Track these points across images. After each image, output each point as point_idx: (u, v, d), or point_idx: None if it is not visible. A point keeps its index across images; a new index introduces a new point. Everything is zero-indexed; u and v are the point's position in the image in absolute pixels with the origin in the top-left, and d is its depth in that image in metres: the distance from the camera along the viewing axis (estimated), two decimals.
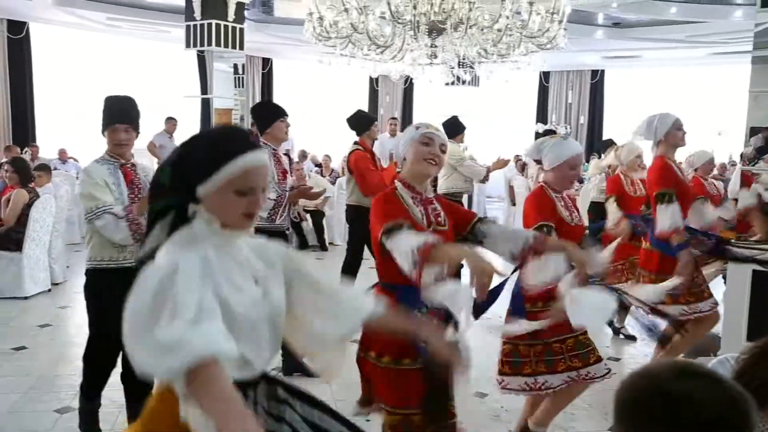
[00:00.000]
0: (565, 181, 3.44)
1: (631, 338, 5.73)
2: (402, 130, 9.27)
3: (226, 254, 1.63)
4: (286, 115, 4.80)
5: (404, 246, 2.32)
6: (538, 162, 3.55)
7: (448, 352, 1.94)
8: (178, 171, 1.64)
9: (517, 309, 3.32)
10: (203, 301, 1.44)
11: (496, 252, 2.71)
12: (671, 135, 4.35)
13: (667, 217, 4.22)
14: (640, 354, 5.46)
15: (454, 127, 6.80)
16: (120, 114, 3.60)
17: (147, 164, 3.81)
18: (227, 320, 1.50)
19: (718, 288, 7.03)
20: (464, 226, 2.71)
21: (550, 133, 6.50)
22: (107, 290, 3.36)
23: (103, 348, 3.54)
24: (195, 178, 1.61)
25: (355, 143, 6.01)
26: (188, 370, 1.34)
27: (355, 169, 5.92)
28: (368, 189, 5.73)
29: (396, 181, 2.67)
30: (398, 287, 2.50)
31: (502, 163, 7.01)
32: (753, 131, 5.42)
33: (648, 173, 4.53)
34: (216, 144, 1.63)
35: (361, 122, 6.02)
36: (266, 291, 1.69)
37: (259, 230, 4.13)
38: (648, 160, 4.69)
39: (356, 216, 6.00)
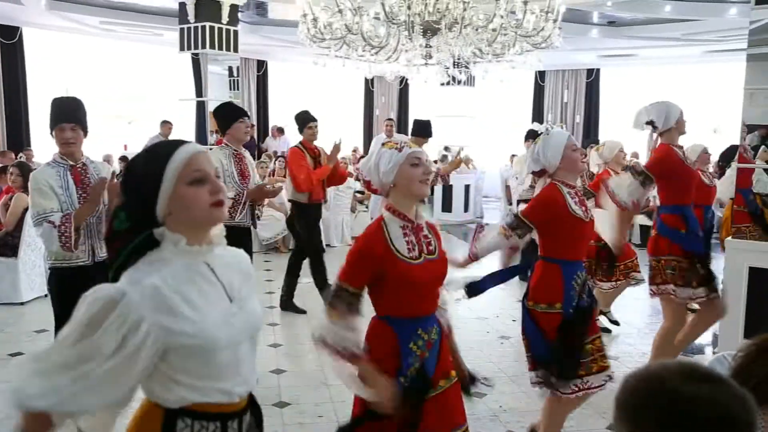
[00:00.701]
0: (576, 163, 3.46)
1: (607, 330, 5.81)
2: (398, 131, 9.28)
3: (197, 274, 1.62)
4: (247, 116, 5.09)
5: (338, 337, 2.35)
6: (542, 172, 3.51)
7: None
8: (131, 205, 1.63)
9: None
10: (119, 355, 1.48)
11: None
12: (680, 122, 4.51)
13: (629, 190, 4.30)
14: (638, 353, 5.47)
15: (422, 129, 6.98)
16: (66, 114, 3.65)
17: (100, 163, 3.84)
18: (183, 344, 1.53)
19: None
20: None
21: (532, 135, 6.64)
22: (67, 287, 3.47)
23: None
24: (147, 199, 1.59)
25: (300, 142, 6.46)
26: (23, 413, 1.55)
27: (287, 165, 6.62)
28: (296, 185, 6.25)
29: (384, 210, 2.52)
30: (393, 319, 2.47)
31: (455, 164, 7.15)
32: (749, 129, 5.44)
33: (652, 156, 4.57)
34: (149, 157, 1.64)
35: (298, 121, 6.52)
36: (241, 307, 1.69)
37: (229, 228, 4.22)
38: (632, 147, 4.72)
39: (293, 210, 6.54)
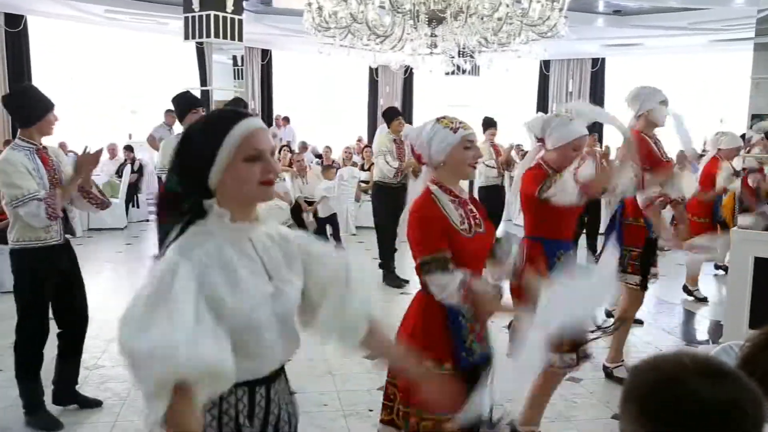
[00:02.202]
0: (567, 161, 3.42)
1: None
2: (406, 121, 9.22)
3: (239, 250, 1.61)
4: (201, 106, 5.09)
5: (446, 287, 2.37)
6: (540, 140, 3.52)
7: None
8: (184, 172, 1.63)
9: None
10: (199, 312, 1.44)
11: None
12: (654, 111, 4.40)
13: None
14: (641, 342, 5.47)
15: (388, 115, 7.07)
16: (48, 101, 3.84)
17: (51, 147, 3.98)
18: (221, 320, 1.50)
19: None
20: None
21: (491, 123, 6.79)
22: (41, 267, 3.70)
23: (39, 323, 3.78)
24: (202, 168, 1.58)
25: None
26: (171, 382, 1.36)
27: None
28: None
29: (430, 184, 2.54)
30: None
31: (412, 163, 7.11)
32: (755, 118, 5.42)
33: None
34: (209, 126, 1.63)
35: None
36: (279, 288, 1.66)
37: None
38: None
39: None
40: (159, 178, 4.95)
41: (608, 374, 4.71)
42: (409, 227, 2.49)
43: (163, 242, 1.61)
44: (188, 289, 1.45)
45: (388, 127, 7.12)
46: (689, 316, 6.51)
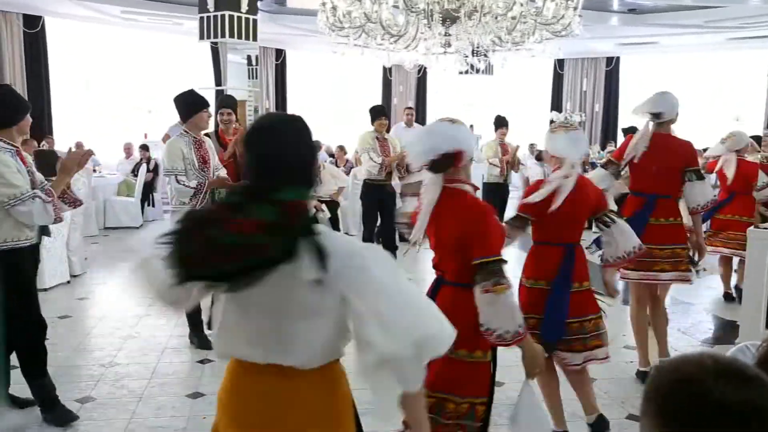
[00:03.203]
0: None
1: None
2: (416, 120, 9.27)
3: None
4: (208, 106, 5.11)
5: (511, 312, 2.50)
6: (539, 159, 3.76)
7: None
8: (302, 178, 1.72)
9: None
10: None
11: None
12: (677, 115, 4.58)
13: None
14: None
15: (372, 113, 7.28)
16: (26, 102, 3.87)
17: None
18: None
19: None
20: None
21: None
22: (27, 266, 3.78)
23: (37, 318, 3.85)
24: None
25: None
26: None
27: None
28: None
29: (465, 186, 2.67)
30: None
31: (395, 158, 7.15)
32: None
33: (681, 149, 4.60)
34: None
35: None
36: None
37: None
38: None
39: None
40: (178, 182, 4.93)
41: (641, 375, 4.73)
42: (480, 223, 2.56)
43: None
44: None
45: (372, 125, 7.29)
46: (704, 316, 6.46)
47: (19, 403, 4.01)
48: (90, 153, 3.98)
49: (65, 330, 5.54)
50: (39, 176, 3.84)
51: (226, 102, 6.07)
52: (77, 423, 3.87)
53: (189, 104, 5.01)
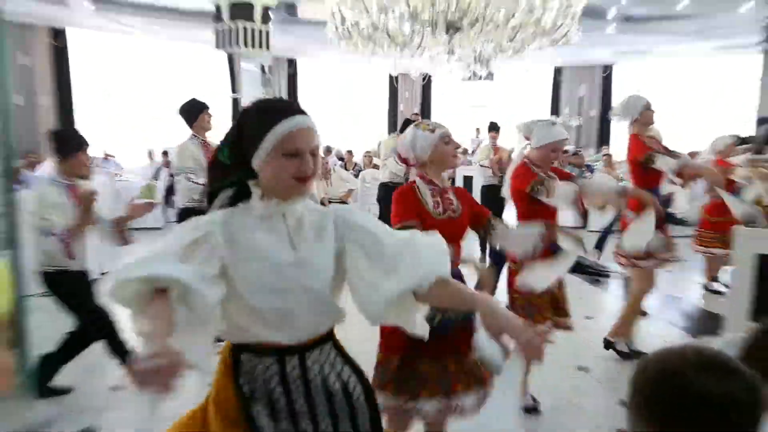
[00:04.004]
0: (546, 160, 3.73)
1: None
2: None
3: (268, 222, 1.66)
4: (208, 108, 5.19)
5: None
6: (528, 138, 3.80)
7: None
8: (235, 147, 1.67)
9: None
10: (189, 250, 1.55)
11: (504, 246, 3.03)
12: (643, 115, 4.63)
13: (665, 163, 4.47)
14: (646, 333, 5.42)
15: (405, 123, 7.19)
16: (79, 141, 3.94)
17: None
18: (236, 281, 1.59)
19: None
20: (480, 221, 2.94)
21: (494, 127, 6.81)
22: (77, 285, 3.96)
23: (98, 321, 4.00)
24: (248, 150, 1.63)
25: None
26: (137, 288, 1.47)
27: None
28: None
29: (417, 178, 2.81)
30: None
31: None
32: (760, 122, 5.37)
33: (628, 149, 4.73)
34: (263, 112, 1.64)
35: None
36: (303, 258, 1.66)
37: (193, 210, 4.46)
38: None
39: None
40: (188, 180, 5.01)
41: (607, 344, 4.85)
42: (392, 207, 2.75)
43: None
44: (193, 234, 1.58)
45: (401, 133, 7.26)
46: (693, 309, 6.45)
47: (55, 392, 4.10)
48: (95, 193, 3.90)
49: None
50: (98, 213, 3.92)
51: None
52: (109, 409, 3.92)
53: (190, 110, 5.14)
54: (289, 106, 1.66)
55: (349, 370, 1.80)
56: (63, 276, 3.88)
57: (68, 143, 3.93)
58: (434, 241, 1.80)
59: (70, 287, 3.94)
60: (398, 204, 2.76)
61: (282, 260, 1.63)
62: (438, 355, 2.68)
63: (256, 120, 1.64)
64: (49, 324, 4.20)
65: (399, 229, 2.55)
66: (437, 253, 1.77)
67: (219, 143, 1.72)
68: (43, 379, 4.04)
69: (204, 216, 1.64)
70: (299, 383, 1.69)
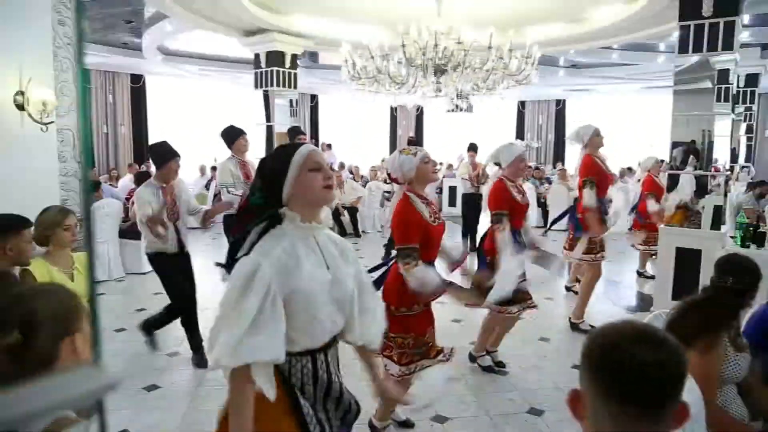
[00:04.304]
0: (519, 171, 3.70)
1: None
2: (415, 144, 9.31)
3: (305, 245, 1.57)
4: (245, 133, 4.97)
5: (427, 279, 2.57)
6: (498, 164, 3.78)
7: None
8: (265, 186, 1.60)
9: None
10: (263, 311, 1.43)
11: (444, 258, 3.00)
12: (593, 140, 4.56)
13: (588, 198, 4.44)
14: (594, 310, 5.38)
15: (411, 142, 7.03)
16: (168, 154, 3.98)
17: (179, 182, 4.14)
18: (287, 303, 1.48)
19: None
20: None
21: (473, 147, 6.75)
22: (171, 266, 4.01)
23: (182, 298, 4.07)
24: (278, 183, 1.57)
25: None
26: (233, 368, 1.42)
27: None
28: None
29: (407, 193, 2.71)
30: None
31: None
32: (674, 145, 5.44)
33: (580, 168, 4.65)
34: (279, 153, 1.62)
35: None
36: (336, 277, 1.60)
37: (232, 217, 4.30)
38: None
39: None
40: (228, 192, 4.72)
41: (574, 326, 4.80)
42: (395, 223, 2.66)
43: (234, 249, 1.57)
44: (262, 285, 1.44)
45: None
46: (629, 291, 6.42)
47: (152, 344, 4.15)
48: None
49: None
50: (189, 205, 4.04)
51: (299, 130, 6.02)
52: (143, 407, 3.39)
53: (229, 134, 4.90)
54: (297, 144, 1.64)
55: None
56: (159, 257, 3.91)
57: (163, 155, 3.90)
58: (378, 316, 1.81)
59: (161, 266, 3.94)
60: (403, 224, 2.66)
61: (322, 279, 1.56)
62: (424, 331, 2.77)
63: (277, 158, 1.60)
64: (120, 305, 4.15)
65: (405, 249, 2.60)
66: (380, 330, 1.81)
67: (249, 189, 1.67)
68: (145, 332, 4.11)
69: (246, 263, 1.48)
70: (325, 378, 1.62)
